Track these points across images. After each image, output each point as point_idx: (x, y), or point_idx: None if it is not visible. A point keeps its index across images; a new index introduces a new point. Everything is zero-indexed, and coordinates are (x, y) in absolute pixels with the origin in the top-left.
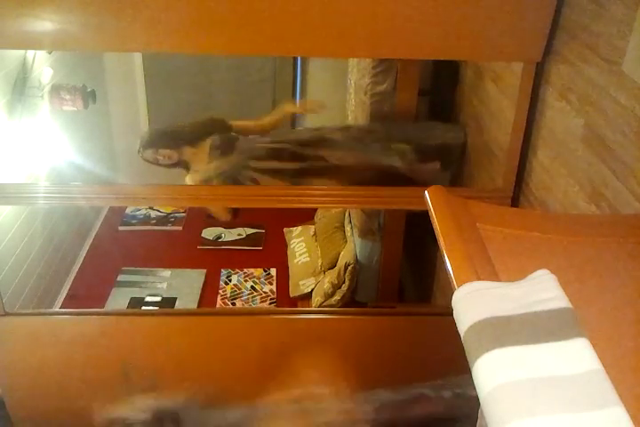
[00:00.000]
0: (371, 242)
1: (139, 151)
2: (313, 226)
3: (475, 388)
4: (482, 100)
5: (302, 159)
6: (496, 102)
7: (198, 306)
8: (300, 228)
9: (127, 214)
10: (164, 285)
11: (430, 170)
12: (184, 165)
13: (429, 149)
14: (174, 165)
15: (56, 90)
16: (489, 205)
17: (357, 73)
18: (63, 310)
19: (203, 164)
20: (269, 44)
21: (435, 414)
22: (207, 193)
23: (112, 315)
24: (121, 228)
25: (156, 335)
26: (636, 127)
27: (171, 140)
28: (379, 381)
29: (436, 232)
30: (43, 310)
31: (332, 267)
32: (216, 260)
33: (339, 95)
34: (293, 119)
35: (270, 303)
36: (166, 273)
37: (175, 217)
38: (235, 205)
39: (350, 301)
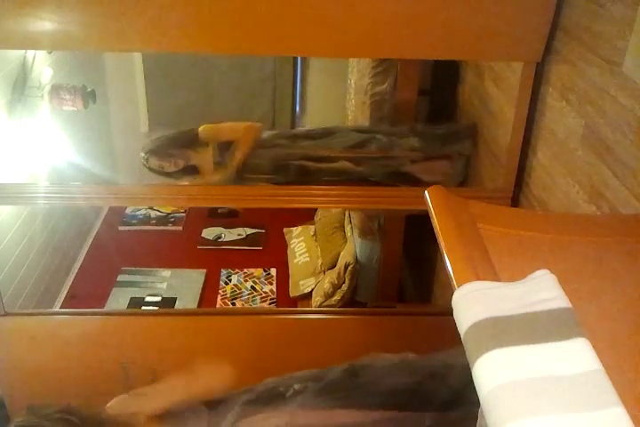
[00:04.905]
0: (371, 242)
1: (143, 160)
2: (313, 226)
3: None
4: (482, 100)
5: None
6: (496, 102)
7: (198, 306)
8: (299, 228)
9: (127, 214)
10: (164, 285)
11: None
12: (189, 172)
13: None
14: (180, 174)
15: (56, 90)
16: (489, 205)
17: (357, 73)
18: (63, 310)
19: (211, 165)
20: (269, 44)
21: None
22: (207, 193)
23: (112, 315)
24: (121, 228)
25: (155, 335)
26: (636, 127)
27: (174, 145)
28: None
29: (435, 232)
30: (43, 310)
31: (332, 267)
32: (216, 260)
33: (339, 95)
34: (293, 119)
35: (270, 303)
36: (166, 273)
37: (175, 217)
38: (235, 205)
39: (350, 301)
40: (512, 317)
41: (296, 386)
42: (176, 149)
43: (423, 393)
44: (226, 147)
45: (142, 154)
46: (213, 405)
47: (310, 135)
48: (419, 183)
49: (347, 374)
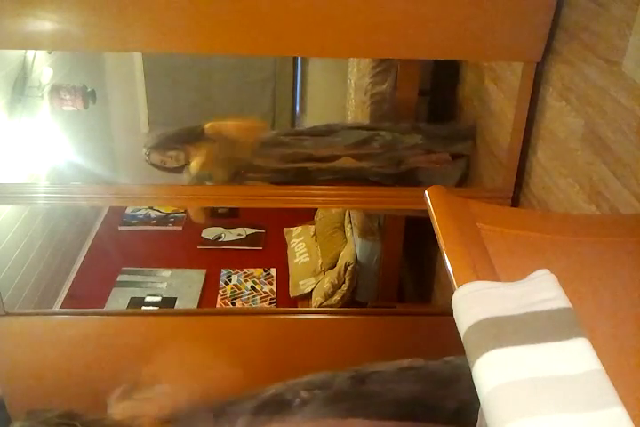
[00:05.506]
0: (371, 242)
1: (145, 155)
2: (313, 226)
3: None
4: (482, 100)
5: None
6: (496, 102)
7: (198, 306)
8: (299, 228)
9: (127, 214)
10: (164, 285)
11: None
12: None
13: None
14: (181, 170)
15: (56, 90)
16: (489, 205)
17: (357, 73)
18: (63, 310)
19: (212, 161)
20: (269, 44)
21: None
22: (207, 193)
23: (112, 315)
24: (121, 228)
25: (155, 335)
26: (635, 127)
27: (176, 141)
28: None
29: (436, 232)
30: (43, 310)
31: (332, 267)
32: (216, 260)
33: (339, 95)
34: (293, 119)
35: (270, 303)
36: (166, 273)
37: (175, 217)
38: (235, 205)
39: (350, 301)
40: (512, 317)
41: (303, 394)
42: (178, 144)
43: (431, 402)
44: (228, 144)
45: (144, 149)
46: (219, 410)
47: (313, 133)
48: (419, 184)
49: (354, 382)
